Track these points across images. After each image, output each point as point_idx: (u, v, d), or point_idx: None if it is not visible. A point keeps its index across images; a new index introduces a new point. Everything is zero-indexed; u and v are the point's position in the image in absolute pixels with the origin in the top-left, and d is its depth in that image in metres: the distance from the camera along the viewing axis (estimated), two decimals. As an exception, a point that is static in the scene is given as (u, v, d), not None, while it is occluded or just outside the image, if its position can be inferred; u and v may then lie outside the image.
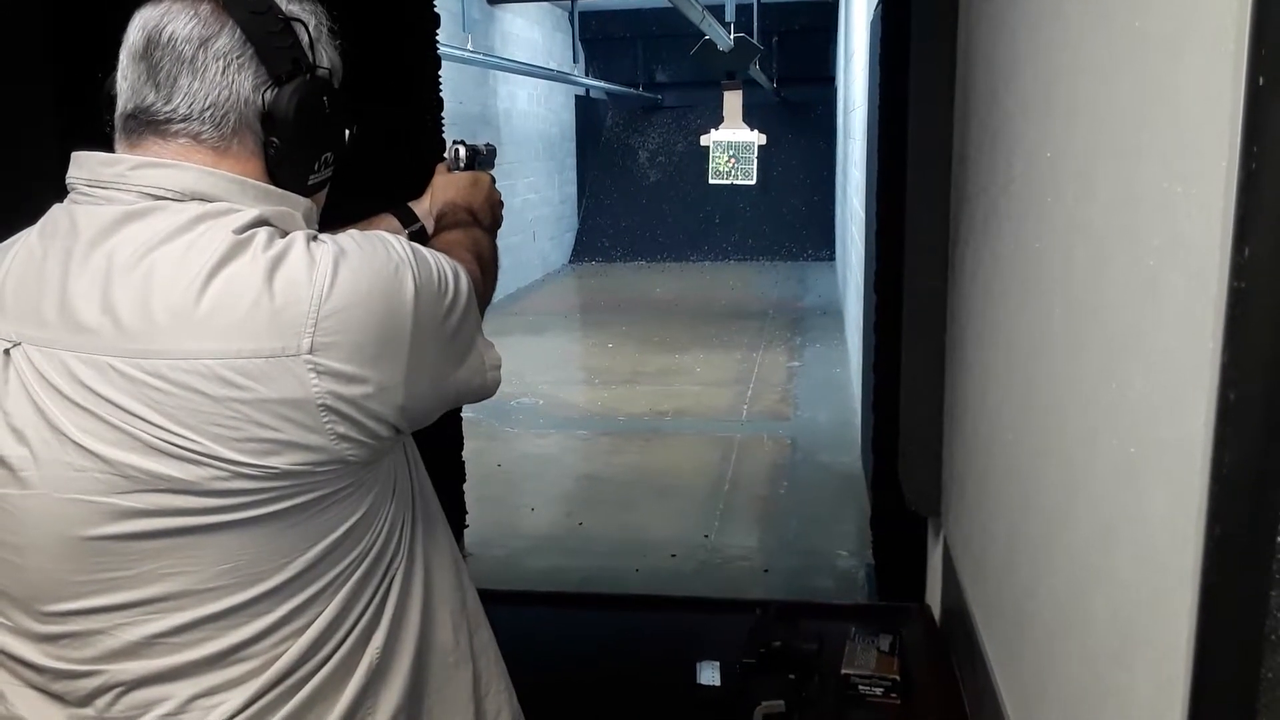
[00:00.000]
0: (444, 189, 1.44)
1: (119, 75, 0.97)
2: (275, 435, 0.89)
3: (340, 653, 1.00)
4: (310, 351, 0.89)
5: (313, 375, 0.89)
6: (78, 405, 0.89)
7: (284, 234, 0.94)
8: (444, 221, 1.37)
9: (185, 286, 0.88)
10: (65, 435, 0.89)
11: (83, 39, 1.34)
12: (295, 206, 1.00)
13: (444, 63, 3.12)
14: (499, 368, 1.10)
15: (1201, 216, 0.78)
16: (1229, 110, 0.72)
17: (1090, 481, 1.08)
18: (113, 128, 0.98)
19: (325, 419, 0.90)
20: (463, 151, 1.49)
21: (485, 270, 1.22)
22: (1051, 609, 1.27)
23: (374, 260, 0.94)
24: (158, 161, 0.94)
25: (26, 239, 0.97)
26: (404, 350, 0.95)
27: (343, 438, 0.92)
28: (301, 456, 0.90)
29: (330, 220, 1.15)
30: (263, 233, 0.92)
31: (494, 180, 1.50)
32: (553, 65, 11.73)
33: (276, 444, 0.89)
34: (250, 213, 0.93)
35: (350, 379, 0.91)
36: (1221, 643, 0.75)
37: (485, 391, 1.10)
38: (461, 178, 1.46)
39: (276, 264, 0.90)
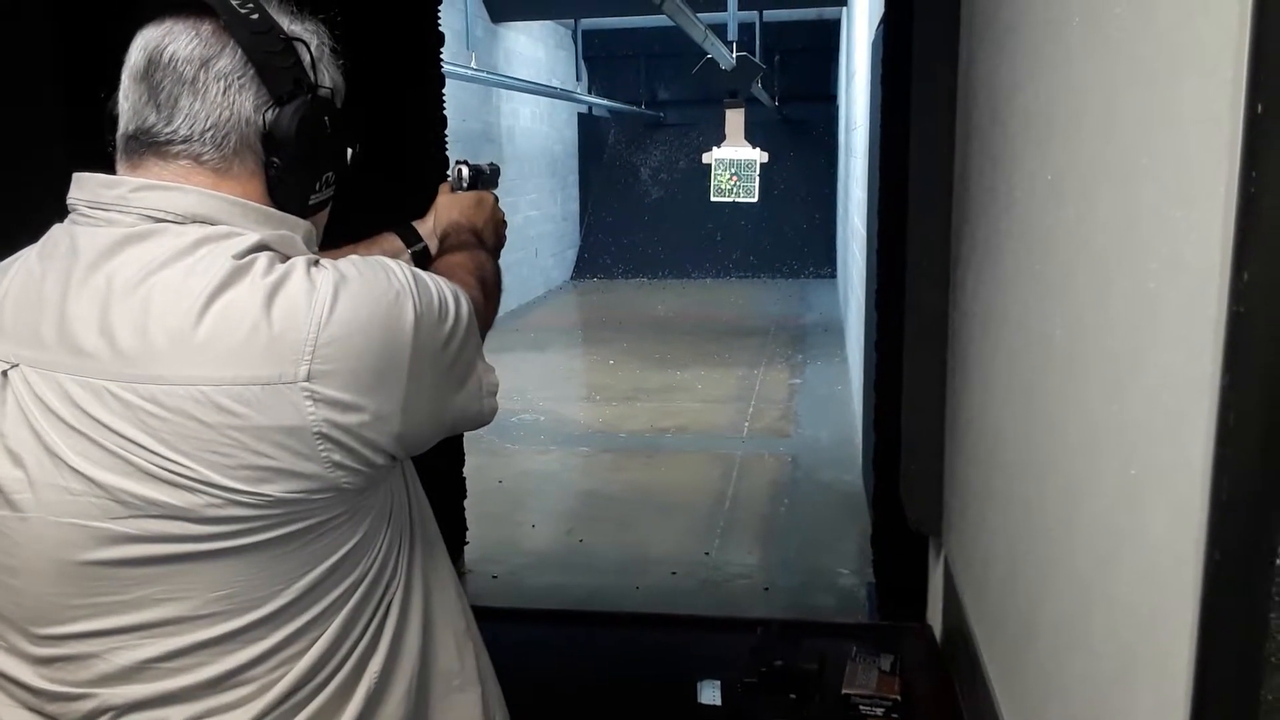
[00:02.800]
0: (448, 209, 1.43)
1: (120, 96, 0.97)
2: (270, 463, 0.88)
3: (338, 678, 0.99)
4: (307, 379, 0.88)
5: (309, 403, 0.88)
6: (74, 429, 0.88)
7: (284, 259, 0.94)
8: (448, 243, 1.36)
9: (184, 311, 0.88)
10: (61, 459, 0.88)
11: (90, 58, 1.34)
12: (295, 229, 0.99)
13: (448, 80, 3.14)
14: (495, 394, 1.09)
15: (1201, 240, 0.78)
16: (1228, 135, 0.73)
17: (1091, 502, 1.08)
18: (114, 148, 0.98)
19: (321, 447, 0.90)
20: (465, 171, 1.49)
21: (488, 294, 1.22)
22: (1053, 629, 1.26)
23: (374, 287, 0.94)
24: (158, 184, 0.94)
25: (26, 259, 0.97)
26: (402, 379, 0.94)
27: (338, 466, 0.91)
28: (296, 484, 0.90)
29: (332, 239, 1.14)
30: (263, 258, 0.92)
31: (497, 200, 1.51)
32: (556, 83, 11.78)
33: (271, 471, 0.88)
34: (250, 237, 0.93)
35: (347, 407, 0.90)
36: (1222, 664, 0.76)
37: (482, 419, 1.09)
38: (465, 197, 1.45)
39: (275, 290, 0.90)
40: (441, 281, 1.02)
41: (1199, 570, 0.77)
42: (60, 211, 0.97)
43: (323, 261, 0.95)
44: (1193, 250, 0.80)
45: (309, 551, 0.94)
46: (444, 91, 3.05)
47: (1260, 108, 0.68)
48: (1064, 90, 1.23)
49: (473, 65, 8.39)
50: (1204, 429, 0.76)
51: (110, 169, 0.97)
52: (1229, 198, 0.73)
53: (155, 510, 0.88)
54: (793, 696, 2.08)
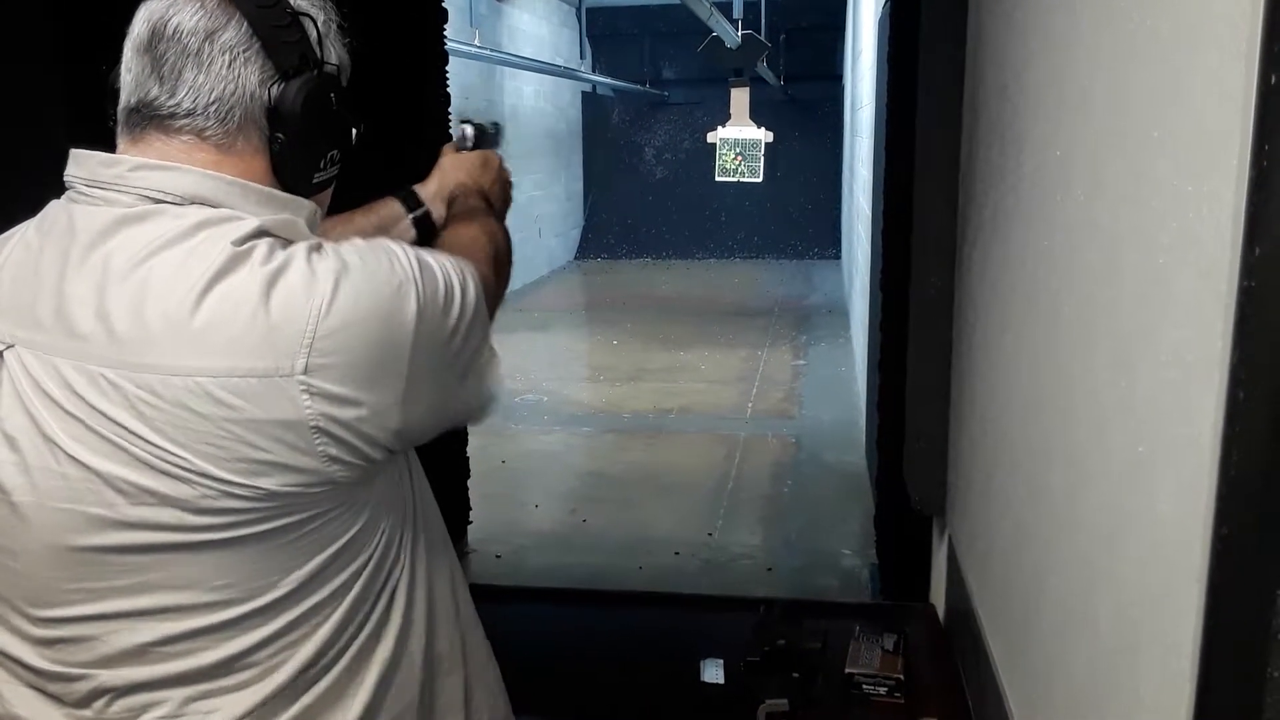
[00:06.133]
0: (453, 170, 1.40)
1: (123, 68, 0.95)
2: (266, 456, 0.87)
3: (342, 663, 0.98)
4: (305, 372, 0.86)
5: (305, 396, 0.86)
6: (69, 414, 0.87)
7: (285, 244, 0.91)
8: (455, 207, 1.33)
9: (181, 298, 0.86)
10: (56, 444, 0.87)
11: (92, 28, 1.33)
12: (298, 211, 0.97)
13: (451, 58, 3.12)
14: (497, 382, 1.06)
15: (1212, 215, 0.77)
16: (1241, 108, 0.72)
17: (1098, 480, 1.08)
18: (116, 121, 0.96)
19: (317, 441, 0.88)
20: (470, 131, 1.45)
21: (500, 269, 1.18)
22: (1057, 608, 1.26)
23: (376, 278, 0.91)
24: (158, 164, 0.92)
25: (24, 234, 0.95)
26: (401, 373, 0.92)
27: (334, 460, 0.90)
28: (292, 478, 0.88)
29: (332, 208, 1.13)
30: (263, 244, 0.89)
31: (503, 159, 1.46)
32: (559, 61, 11.72)
33: (267, 465, 0.87)
34: (251, 222, 0.90)
35: (344, 401, 0.88)
36: (1228, 641, 0.75)
37: (484, 410, 1.06)
38: (471, 157, 1.41)
39: (275, 278, 0.87)
40: (449, 265, 0.99)
41: (1206, 547, 0.77)
42: (58, 187, 0.96)
43: (325, 247, 0.93)
44: (1204, 225, 0.79)
45: (307, 542, 0.93)
46: (447, 69, 3.04)
47: (1274, 79, 0.67)
48: (1074, 64, 1.21)
49: (476, 43, 8.36)
50: (1213, 405, 0.75)
51: (111, 145, 0.96)
52: (1241, 171, 0.72)
53: (150, 499, 0.87)
54: (796, 675, 2.09)
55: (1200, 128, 0.81)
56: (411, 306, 0.92)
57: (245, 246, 0.89)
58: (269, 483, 0.88)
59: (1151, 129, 0.92)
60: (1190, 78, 0.83)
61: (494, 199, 1.39)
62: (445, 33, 3.01)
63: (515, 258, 1.30)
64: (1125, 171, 1.00)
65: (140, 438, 0.86)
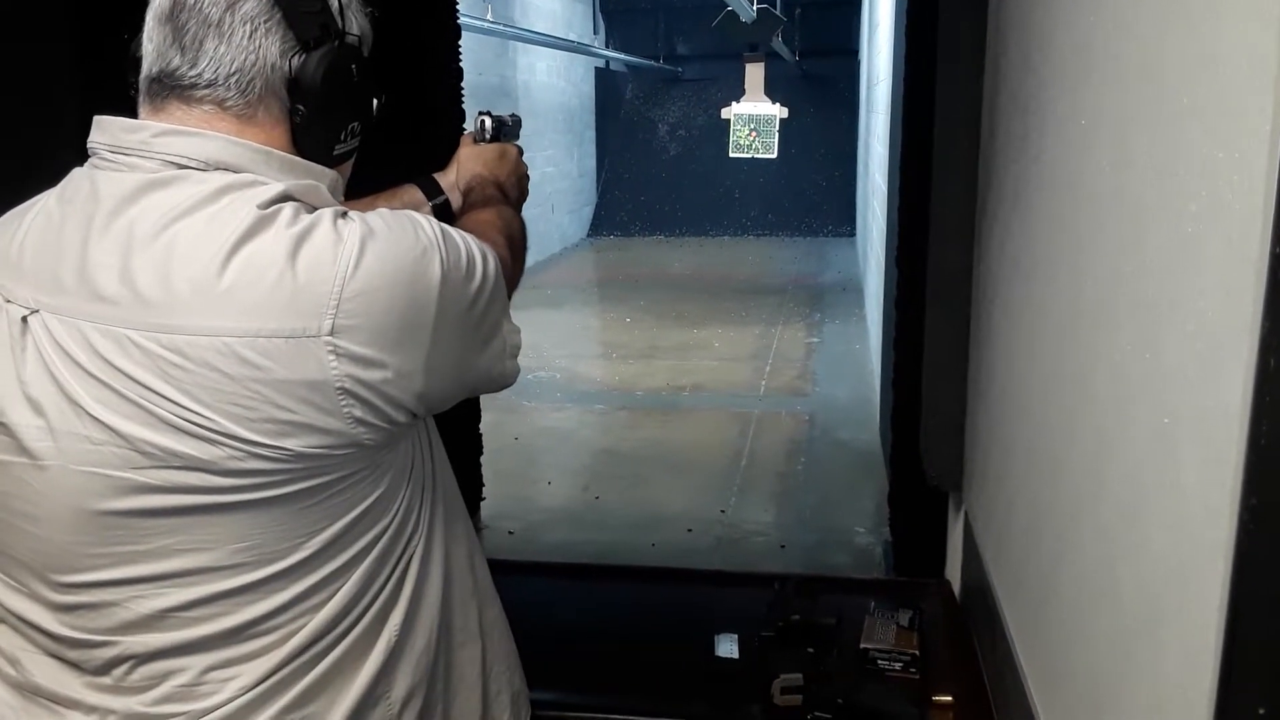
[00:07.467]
0: (470, 161, 1.42)
1: (144, 37, 0.96)
2: (292, 417, 0.88)
3: (358, 630, 1.00)
4: (331, 333, 0.88)
5: (332, 357, 0.88)
6: (94, 377, 0.88)
7: (310, 209, 0.93)
8: (472, 197, 1.35)
9: (207, 261, 0.87)
10: (82, 408, 0.88)
11: (105, 3, 1.32)
12: (320, 178, 0.98)
13: (464, 33, 3.10)
14: (517, 355, 1.09)
15: (1243, 181, 0.76)
16: (1274, 73, 0.71)
17: (1121, 453, 1.07)
18: (137, 90, 0.97)
19: (343, 402, 0.89)
20: (488, 123, 1.47)
21: (515, 253, 1.20)
22: (1077, 582, 1.25)
23: (402, 242, 0.93)
24: (182, 129, 0.93)
25: (46, 202, 0.96)
26: (426, 336, 0.93)
27: (359, 421, 0.91)
28: (317, 439, 0.90)
29: (351, 191, 1.13)
30: (288, 208, 0.91)
31: (521, 152, 1.49)
32: (572, 36, 11.65)
33: (293, 425, 0.88)
34: (275, 187, 0.92)
35: (370, 363, 0.90)
36: (1253, 615, 0.74)
37: (505, 379, 1.08)
38: (488, 150, 1.44)
39: (301, 241, 0.89)
40: (470, 239, 1.01)
41: (1233, 518, 0.75)
42: (76, 156, 0.96)
43: (350, 213, 0.94)
44: (1234, 192, 0.78)
45: (329, 506, 0.94)
46: (460, 44, 3.01)
47: (1313, 39, 0.65)
48: (1102, 30, 1.19)
49: (489, 17, 8.30)
50: (1243, 375, 0.74)
51: (128, 111, 0.96)
52: (1274, 136, 0.70)
53: (176, 461, 0.88)
54: (810, 650, 2.09)
55: (1231, 94, 0.79)
56: (436, 271, 0.94)
57: (271, 210, 0.90)
58: (295, 444, 0.89)
59: (1181, 95, 0.91)
60: (1222, 42, 0.82)
61: (510, 191, 1.40)
62: (458, 7, 2.99)
63: (528, 234, 1.30)
64: (1153, 139, 0.98)
65: (166, 399, 0.86)
